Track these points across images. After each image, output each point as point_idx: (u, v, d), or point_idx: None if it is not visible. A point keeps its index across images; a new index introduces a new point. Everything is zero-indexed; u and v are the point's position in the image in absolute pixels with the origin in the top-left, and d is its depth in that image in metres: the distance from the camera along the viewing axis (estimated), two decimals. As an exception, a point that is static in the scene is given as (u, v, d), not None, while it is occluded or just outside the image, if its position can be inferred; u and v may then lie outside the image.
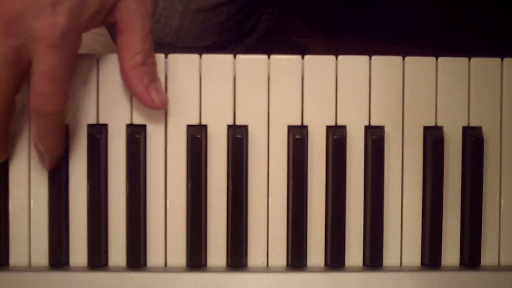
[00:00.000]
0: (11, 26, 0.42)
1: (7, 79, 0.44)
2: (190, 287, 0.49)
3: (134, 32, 0.46)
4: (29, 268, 0.50)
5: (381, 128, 0.50)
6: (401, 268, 0.50)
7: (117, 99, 0.50)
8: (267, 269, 0.50)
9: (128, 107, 0.50)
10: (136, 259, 0.50)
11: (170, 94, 0.50)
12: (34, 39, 0.43)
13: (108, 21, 0.46)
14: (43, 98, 0.44)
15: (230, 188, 0.50)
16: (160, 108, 0.49)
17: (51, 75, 0.43)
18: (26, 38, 0.43)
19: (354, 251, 0.50)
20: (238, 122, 0.50)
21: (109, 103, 0.50)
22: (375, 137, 0.50)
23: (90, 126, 0.50)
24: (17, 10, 0.42)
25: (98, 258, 0.50)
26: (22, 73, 0.45)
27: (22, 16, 0.42)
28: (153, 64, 0.48)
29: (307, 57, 0.50)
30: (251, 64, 0.50)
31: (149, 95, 0.48)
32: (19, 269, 0.49)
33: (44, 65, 0.43)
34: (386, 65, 0.50)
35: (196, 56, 0.50)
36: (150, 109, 0.49)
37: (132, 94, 0.49)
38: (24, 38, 0.43)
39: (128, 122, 0.50)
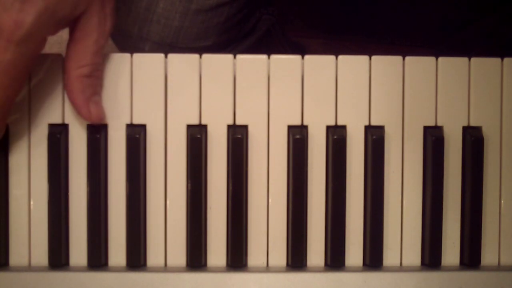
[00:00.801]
0: None
1: None
2: (190, 287, 0.49)
3: (88, 44, 0.47)
4: (29, 268, 0.50)
5: (381, 128, 0.50)
6: (401, 268, 0.50)
7: (117, 99, 0.50)
8: (267, 269, 0.50)
9: (128, 107, 0.50)
10: (136, 259, 0.50)
11: (170, 94, 0.50)
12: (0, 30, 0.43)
13: (67, 26, 0.47)
14: None
15: (230, 188, 0.50)
16: (95, 122, 0.49)
17: (7, 70, 0.43)
18: None
19: (354, 251, 0.50)
20: (238, 122, 0.50)
21: (109, 103, 0.50)
22: (375, 137, 0.50)
23: (90, 126, 0.50)
24: None
25: (98, 258, 0.50)
26: None
27: None
28: (98, 79, 0.49)
29: (307, 57, 0.50)
30: (251, 64, 0.50)
31: (88, 107, 0.48)
32: (19, 269, 0.49)
33: (4, 58, 0.43)
34: (386, 65, 0.50)
35: (196, 56, 0.50)
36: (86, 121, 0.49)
37: (71, 103, 0.49)
38: None
39: (128, 122, 0.50)
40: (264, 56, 0.50)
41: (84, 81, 0.47)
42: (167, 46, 0.69)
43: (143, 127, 0.50)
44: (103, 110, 0.49)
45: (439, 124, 0.51)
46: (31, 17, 0.43)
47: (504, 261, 0.51)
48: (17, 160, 0.50)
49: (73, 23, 0.47)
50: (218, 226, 0.50)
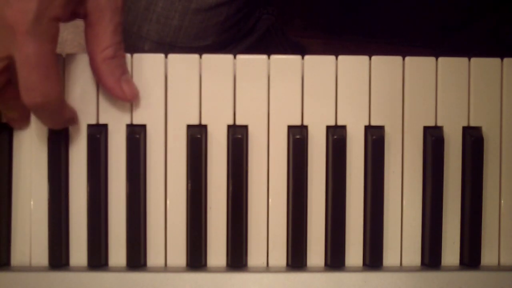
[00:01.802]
0: None
1: None
2: (190, 287, 0.49)
3: (103, 25, 0.46)
4: (30, 268, 0.50)
5: (381, 128, 0.50)
6: (401, 268, 0.50)
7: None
8: (267, 269, 0.50)
9: (128, 107, 0.50)
10: (136, 259, 0.50)
11: (170, 94, 0.50)
12: (8, 29, 0.42)
13: (79, 13, 0.46)
14: (31, 89, 0.43)
15: (230, 188, 0.50)
16: (131, 100, 0.49)
17: (33, 63, 0.43)
18: (1, 24, 0.42)
19: (354, 251, 0.50)
20: (238, 122, 0.50)
21: (109, 103, 0.50)
22: (375, 137, 0.50)
23: (90, 126, 0.50)
24: None
25: (98, 258, 0.50)
26: (4, 68, 0.44)
27: None
28: (123, 57, 0.48)
29: (307, 57, 0.50)
30: (251, 64, 0.50)
31: (121, 88, 0.48)
32: (19, 269, 0.49)
33: (23, 53, 0.42)
34: (386, 65, 0.50)
35: (196, 56, 0.50)
36: (124, 101, 0.49)
37: (103, 87, 0.49)
38: (1, 31, 0.42)
39: (128, 122, 0.50)
40: (264, 56, 0.50)
41: (110, 63, 0.47)
42: (167, 46, 0.69)
43: (143, 127, 0.50)
44: (135, 86, 0.49)
45: (439, 124, 0.51)
46: (34, 2, 0.42)
47: (504, 261, 0.51)
48: (18, 160, 0.50)
49: (83, 8, 0.46)
50: (218, 226, 0.50)
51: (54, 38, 0.44)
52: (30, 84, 0.43)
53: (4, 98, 0.47)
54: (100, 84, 0.49)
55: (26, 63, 0.43)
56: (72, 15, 0.46)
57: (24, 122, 0.49)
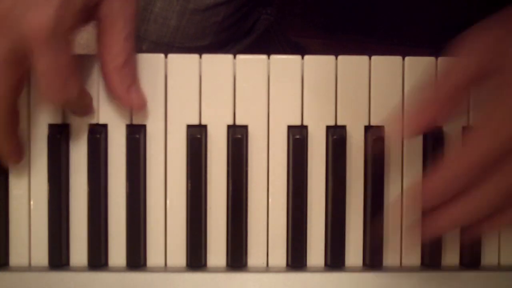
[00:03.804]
0: (1, 25, 0.42)
1: (7, 79, 0.44)
2: (190, 287, 0.49)
3: (116, 32, 0.46)
4: (29, 268, 0.50)
5: (381, 128, 0.50)
6: (401, 268, 0.50)
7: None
8: (267, 269, 0.50)
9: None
10: (136, 259, 0.50)
11: (170, 94, 0.50)
12: (26, 37, 0.42)
13: (92, 19, 0.46)
14: (53, 93, 0.44)
15: (230, 188, 0.50)
16: (138, 110, 0.49)
17: (53, 71, 0.43)
18: (19, 36, 0.42)
19: (354, 251, 0.50)
20: (238, 122, 0.50)
21: (109, 103, 0.50)
22: (375, 137, 0.50)
23: (90, 126, 0.50)
24: (4, 8, 0.42)
25: (98, 258, 0.50)
26: (22, 71, 0.44)
27: (12, 14, 0.42)
28: (134, 65, 0.48)
29: (307, 57, 0.50)
30: (251, 64, 0.50)
31: (130, 97, 0.48)
32: (19, 269, 0.49)
33: (43, 63, 0.43)
34: (386, 65, 0.50)
35: (196, 56, 0.50)
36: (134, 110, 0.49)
37: (112, 95, 0.49)
38: (16, 37, 0.42)
39: (128, 122, 0.50)
40: (264, 56, 0.50)
41: (121, 71, 0.47)
42: (165, 46, 0.69)
43: (143, 127, 0.50)
44: (144, 96, 0.49)
45: (438, 124, 0.51)
46: (52, 10, 0.42)
47: (504, 261, 0.51)
48: (17, 160, 0.50)
49: (97, 15, 0.46)
50: (218, 226, 0.50)
51: (71, 45, 0.45)
52: (51, 89, 0.44)
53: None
54: (108, 91, 0.49)
55: (46, 72, 0.43)
56: (86, 22, 0.46)
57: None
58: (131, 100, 0.48)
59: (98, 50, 0.47)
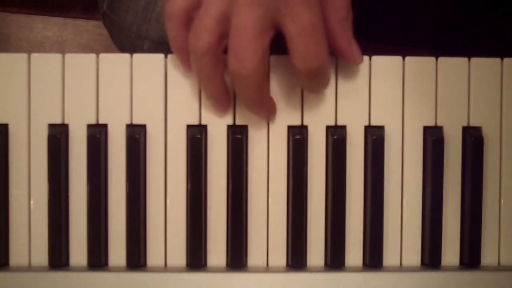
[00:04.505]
0: None
1: (263, 48, 0.44)
2: (190, 287, 0.49)
3: None
4: (29, 268, 0.50)
5: (381, 128, 0.50)
6: (401, 268, 0.50)
7: (117, 99, 0.50)
8: (267, 269, 0.50)
9: (128, 107, 0.50)
10: (136, 259, 0.50)
11: (170, 94, 0.50)
12: (282, 1, 0.42)
13: None
14: (309, 56, 0.44)
15: (230, 188, 0.50)
16: (358, 63, 0.49)
17: (309, 32, 0.43)
18: (272, 3, 0.43)
19: (354, 251, 0.50)
20: (238, 122, 0.50)
21: (109, 103, 0.50)
22: (375, 137, 0.50)
23: (90, 126, 0.50)
24: None
25: (98, 258, 0.50)
26: (270, 39, 0.45)
27: None
28: (351, 19, 0.48)
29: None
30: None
31: (351, 49, 0.48)
32: (19, 269, 0.49)
33: (300, 23, 0.43)
34: (386, 65, 0.50)
35: (196, 56, 0.50)
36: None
37: (334, 50, 0.48)
38: (269, 4, 0.43)
39: (128, 122, 0.50)
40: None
41: (344, 24, 0.47)
42: (166, 45, 0.69)
43: (143, 127, 0.50)
44: (360, 50, 0.49)
45: (439, 124, 0.51)
46: None
47: (504, 261, 0.51)
48: (17, 160, 0.50)
49: None
50: (218, 226, 0.50)
51: (320, 2, 0.44)
52: (307, 51, 0.44)
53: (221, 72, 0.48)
54: (331, 46, 0.47)
55: (303, 33, 0.43)
56: None
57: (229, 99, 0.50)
58: (352, 53, 0.48)
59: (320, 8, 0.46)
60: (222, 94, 0.49)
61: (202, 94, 0.50)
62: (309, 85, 0.48)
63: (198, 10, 0.45)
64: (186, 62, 0.49)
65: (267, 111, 0.50)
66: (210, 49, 0.45)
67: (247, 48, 0.44)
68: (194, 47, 0.45)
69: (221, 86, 0.48)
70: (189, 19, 0.46)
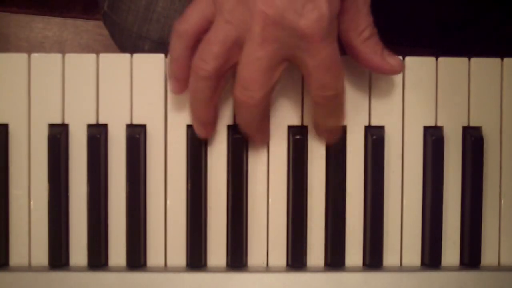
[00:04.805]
0: (269, 31, 0.42)
1: (270, 82, 0.44)
2: (190, 287, 0.49)
3: (358, 8, 0.46)
4: (29, 268, 0.50)
5: (381, 128, 0.50)
6: (401, 268, 0.50)
7: (117, 99, 0.50)
8: (267, 269, 0.50)
9: (128, 107, 0.50)
10: (136, 259, 0.50)
11: (170, 94, 0.50)
12: (300, 38, 0.42)
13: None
14: (326, 86, 0.44)
15: (230, 188, 0.50)
16: (400, 71, 0.48)
17: (327, 65, 0.43)
18: (288, 39, 0.42)
19: (354, 251, 0.50)
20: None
21: (109, 103, 0.50)
22: (375, 137, 0.50)
23: (90, 126, 0.50)
24: (274, 14, 0.42)
25: (98, 258, 0.50)
26: (281, 71, 0.45)
27: (281, 20, 0.42)
28: (377, 34, 0.47)
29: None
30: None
31: (387, 62, 0.47)
32: (19, 269, 0.49)
33: (319, 59, 0.43)
34: (386, 65, 0.50)
35: (196, 56, 0.50)
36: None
37: (369, 67, 0.48)
38: (284, 40, 0.42)
39: (128, 122, 0.50)
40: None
41: (370, 42, 0.47)
42: (167, 45, 0.69)
43: (143, 127, 0.50)
44: (398, 57, 0.48)
45: (439, 124, 0.51)
46: (325, 7, 0.42)
47: (504, 261, 0.51)
48: (17, 160, 0.50)
49: None
50: (218, 226, 0.50)
51: (337, 36, 0.45)
52: (323, 83, 0.44)
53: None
54: (364, 65, 0.48)
55: (321, 66, 0.43)
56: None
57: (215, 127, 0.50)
58: (389, 65, 0.47)
59: (340, 30, 0.46)
60: (211, 120, 0.49)
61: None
62: (327, 116, 0.48)
63: (208, 32, 0.45)
64: (179, 83, 0.48)
65: (261, 139, 0.50)
66: (214, 74, 0.45)
67: (257, 80, 0.44)
68: (199, 69, 0.45)
69: (213, 111, 0.48)
70: (197, 41, 0.46)
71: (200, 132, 0.49)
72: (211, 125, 0.49)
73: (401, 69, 0.48)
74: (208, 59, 0.45)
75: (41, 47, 1.02)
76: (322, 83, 0.44)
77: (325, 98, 0.45)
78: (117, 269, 0.49)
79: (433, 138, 0.50)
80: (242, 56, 0.44)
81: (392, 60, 0.48)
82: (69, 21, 0.98)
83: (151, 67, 0.50)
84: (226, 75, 0.46)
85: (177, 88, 0.48)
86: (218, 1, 0.44)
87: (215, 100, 0.47)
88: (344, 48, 0.48)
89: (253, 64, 0.43)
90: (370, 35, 0.47)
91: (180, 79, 0.48)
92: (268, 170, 0.50)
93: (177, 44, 0.47)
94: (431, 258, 0.50)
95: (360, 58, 0.47)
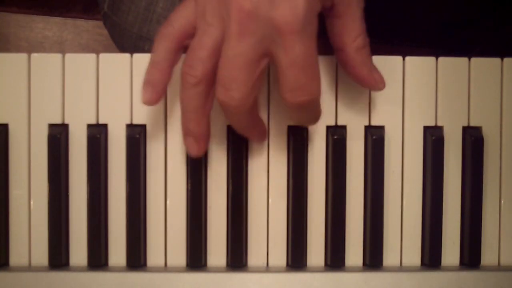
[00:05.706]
0: (245, 24, 0.41)
1: (252, 79, 0.43)
2: (190, 287, 0.49)
3: (352, 14, 0.45)
4: (29, 268, 0.50)
5: (381, 128, 0.50)
6: (401, 268, 0.50)
7: (117, 99, 0.50)
8: (267, 269, 0.50)
9: (128, 107, 0.50)
10: (136, 259, 0.50)
11: (170, 94, 0.50)
12: (275, 30, 0.41)
13: (326, 4, 0.45)
14: (298, 89, 0.42)
15: (230, 188, 0.50)
16: (383, 88, 0.48)
17: (300, 64, 0.42)
18: (264, 32, 0.41)
19: (354, 251, 0.50)
20: (238, 122, 0.50)
21: (109, 103, 0.50)
22: (375, 137, 0.50)
23: (90, 126, 0.50)
24: (249, 6, 0.41)
25: (98, 258, 0.50)
26: (261, 69, 0.43)
27: (256, 11, 0.41)
28: (369, 45, 0.47)
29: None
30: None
31: (373, 77, 0.47)
32: (19, 269, 0.49)
33: (291, 55, 0.41)
34: (386, 65, 0.50)
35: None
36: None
37: (353, 76, 0.47)
38: (261, 33, 0.41)
39: (128, 122, 0.50)
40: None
41: (363, 52, 0.46)
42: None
43: (143, 127, 0.50)
44: (382, 76, 0.48)
45: (439, 124, 0.51)
46: (301, 0, 0.41)
47: (504, 261, 0.51)
48: (17, 160, 0.50)
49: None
50: (218, 226, 0.50)
51: (315, 35, 0.43)
52: (297, 84, 0.42)
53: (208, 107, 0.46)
54: (351, 74, 0.47)
55: (294, 65, 0.42)
56: (323, 8, 0.45)
57: (207, 143, 0.48)
58: (374, 79, 0.47)
59: (333, 35, 0.46)
60: (204, 132, 0.47)
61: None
62: (298, 118, 0.46)
63: (193, 39, 0.45)
64: (155, 90, 0.46)
65: (257, 135, 0.49)
66: (203, 79, 0.44)
67: (236, 78, 0.42)
68: (187, 76, 0.44)
69: (206, 122, 0.47)
70: (181, 46, 0.46)
71: (192, 147, 0.47)
72: (204, 139, 0.47)
73: (384, 86, 0.48)
74: (195, 64, 0.44)
75: (41, 47, 1.02)
76: (295, 85, 0.42)
77: (297, 105, 0.43)
78: (117, 269, 0.49)
79: (433, 138, 0.50)
80: (221, 55, 0.43)
81: (378, 75, 0.47)
82: (69, 21, 0.98)
83: (151, 67, 0.50)
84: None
85: (150, 95, 0.46)
86: (199, 4, 0.44)
87: (207, 109, 0.46)
88: (334, 52, 0.47)
89: (232, 62, 0.42)
90: (363, 45, 0.46)
91: (156, 85, 0.46)
92: (268, 170, 0.50)
93: (161, 47, 0.46)
94: (431, 258, 0.50)
95: (349, 66, 0.47)
